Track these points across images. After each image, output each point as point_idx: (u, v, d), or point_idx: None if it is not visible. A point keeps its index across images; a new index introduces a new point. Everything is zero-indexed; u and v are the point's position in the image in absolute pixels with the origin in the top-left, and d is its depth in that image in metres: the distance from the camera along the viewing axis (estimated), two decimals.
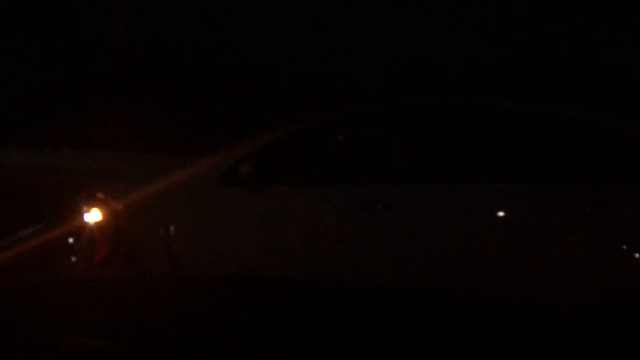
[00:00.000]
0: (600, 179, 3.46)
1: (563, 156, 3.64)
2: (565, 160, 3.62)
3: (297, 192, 3.75)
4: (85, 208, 3.82)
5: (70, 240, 3.86)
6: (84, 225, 3.81)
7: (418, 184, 3.63)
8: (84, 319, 1.71)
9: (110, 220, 3.80)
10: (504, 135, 3.75)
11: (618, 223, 3.33)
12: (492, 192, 3.52)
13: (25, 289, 2.01)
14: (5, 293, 2.01)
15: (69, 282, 2.27)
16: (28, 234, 3.90)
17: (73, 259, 3.82)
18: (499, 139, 3.76)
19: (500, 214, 3.51)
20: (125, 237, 3.78)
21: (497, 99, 3.93)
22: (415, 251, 3.50)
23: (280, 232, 3.67)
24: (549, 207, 3.43)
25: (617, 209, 3.34)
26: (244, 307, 1.81)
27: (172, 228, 3.75)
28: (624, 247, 3.32)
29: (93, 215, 3.80)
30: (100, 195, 3.83)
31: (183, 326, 1.62)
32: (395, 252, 3.52)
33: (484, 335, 1.44)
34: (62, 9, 10.11)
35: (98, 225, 3.80)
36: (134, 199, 3.81)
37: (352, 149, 4.11)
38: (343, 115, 4.03)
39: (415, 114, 3.94)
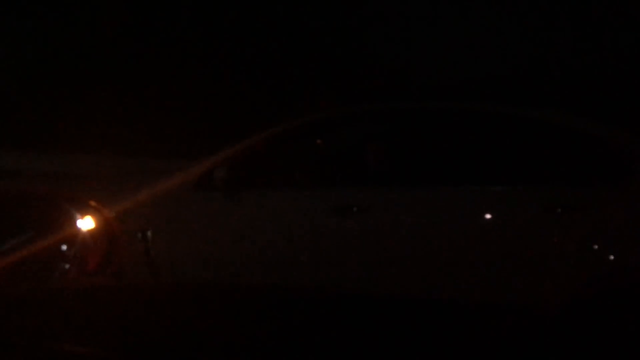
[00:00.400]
0: (568, 181, 3.50)
1: (533, 158, 3.68)
2: (534, 162, 3.66)
3: (271, 196, 3.77)
4: (77, 215, 3.82)
5: (63, 247, 3.85)
6: (77, 232, 3.81)
7: (393, 187, 3.66)
8: (80, 328, 1.71)
9: (102, 228, 3.79)
10: (475, 138, 3.80)
11: (587, 224, 3.37)
12: (464, 195, 3.57)
13: (20, 297, 2.01)
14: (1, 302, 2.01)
15: (63, 290, 2.27)
16: (20, 241, 3.89)
17: (66, 266, 3.81)
18: (470, 141, 3.81)
19: (473, 216, 3.54)
20: (118, 245, 3.79)
21: (467, 101, 3.99)
22: (390, 254, 3.52)
23: (255, 237, 3.69)
24: (520, 209, 3.47)
25: (586, 210, 3.38)
26: (239, 313, 1.82)
27: (149, 233, 3.76)
28: (595, 247, 3.36)
29: (86, 223, 3.80)
30: (93, 202, 3.83)
31: (177, 333, 1.62)
32: (371, 255, 3.55)
33: (459, 339, 1.46)
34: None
35: (91, 232, 3.80)
36: (126, 205, 3.81)
37: (328, 153, 4.13)
38: (318, 119, 4.04)
39: (390, 116, 3.98)
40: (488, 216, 3.53)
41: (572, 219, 3.39)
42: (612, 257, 3.33)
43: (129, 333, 1.63)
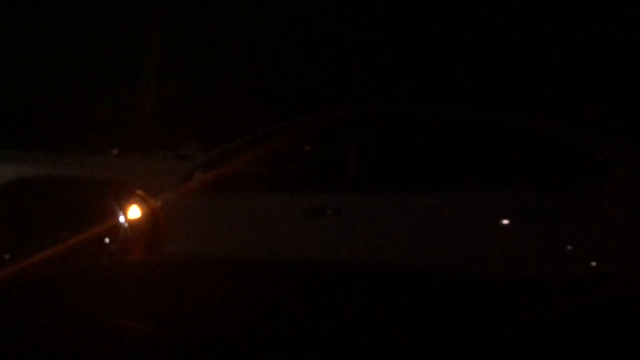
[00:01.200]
0: (541, 186, 3.48)
1: (506, 164, 3.67)
2: (507, 168, 3.64)
3: (246, 198, 3.82)
4: (123, 205, 3.76)
5: (106, 240, 3.80)
6: (121, 223, 3.75)
7: (369, 192, 3.67)
8: (128, 303, 1.66)
9: (147, 217, 3.74)
10: (448, 144, 3.81)
11: (558, 229, 3.34)
12: (437, 200, 3.55)
13: (70, 275, 1.96)
14: (51, 278, 1.97)
15: (111, 267, 2.21)
16: (64, 233, 3.85)
17: (112, 246, 3.77)
18: (444, 147, 3.81)
19: (445, 220, 3.53)
20: (162, 235, 3.73)
21: (440, 107, 4.05)
22: (361, 255, 3.49)
23: (232, 237, 3.73)
24: (493, 213, 3.45)
25: (557, 215, 3.35)
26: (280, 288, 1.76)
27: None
28: (567, 251, 3.34)
29: (131, 212, 3.74)
30: (139, 191, 3.78)
31: (225, 310, 1.56)
32: (342, 255, 3.53)
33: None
34: None
35: (135, 222, 3.75)
36: (172, 195, 3.78)
37: (308, 157, 4.24)
38: (296, 125, 4.08)
39: (366, 123, 4.02)
40: (460, 221, 3.52)
41: (544, 224, 3.36)
42: (585, 261, 3.30)
43: (180, 309, 1.57)
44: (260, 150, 3.93)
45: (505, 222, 3.43)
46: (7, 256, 3.36)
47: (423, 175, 3.71)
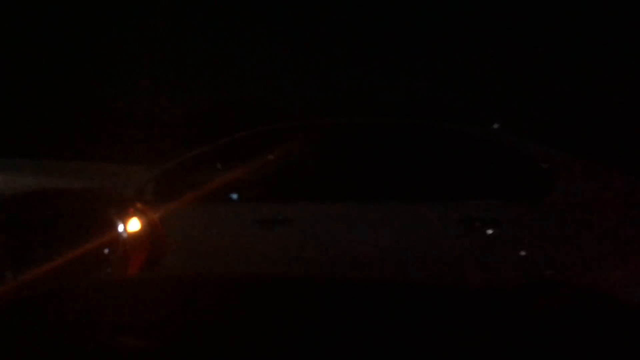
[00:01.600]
0: (488, 196, 3.50)
1: (453, 173, 3.70)
2: (455, 178, 3.67)
3: (199, 210, 3.85)
4: (121, 217, 3.77)
5: (106, 251, 3.81)
6: (120, 235, 3.76)
7: (318, 201, 3.71)
8: (129, 320, 1.68)
9: (147, 230, 3.76)
10: (397, 153, 3.85)
11: (506, 237, 3.37)
12: (385, 210, 3.58)
13: (71, 291, 1.99)
14: (51, 295, 1.99)
15: (111, 284, 2.24)
16: (63, 245, 3.86)
17: (108, 270, 3.77)
18: (395, 157, 3.85)
19: (395, 231, 3.55)
20: (162, 247, 3.75)
21: (389, 117, 4.04)
22: (309, 264, 3.53)
23: (186, 249, 3.79)
24: (438, 224, 3.48)
25: (505, 224, 3.37)
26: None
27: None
28: (514, 259, 3.34)
29: (130, 225, 3.76)
30: (138, 204, 3.80)
31: (220, 325, 1.58)
32: (291, 264, 3.57)
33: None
34: None
35: (134, 235, 3.76)
36: (171, 208, 3.80)
37: (260, 168, 4.18)
38: (248, 135, 4.12)
39: (320, 133, 4.04)
40: (411, 231, 3.54)
41: (491, 233, 3.39)
42: (533, 270, 3.30)
43: (176, 324, 1.59)
44: (214, 161, 3.97)
45: (452, 231, 3.45)
46: (9, 274, 3.37)
47: (371, 185, 3.76)
